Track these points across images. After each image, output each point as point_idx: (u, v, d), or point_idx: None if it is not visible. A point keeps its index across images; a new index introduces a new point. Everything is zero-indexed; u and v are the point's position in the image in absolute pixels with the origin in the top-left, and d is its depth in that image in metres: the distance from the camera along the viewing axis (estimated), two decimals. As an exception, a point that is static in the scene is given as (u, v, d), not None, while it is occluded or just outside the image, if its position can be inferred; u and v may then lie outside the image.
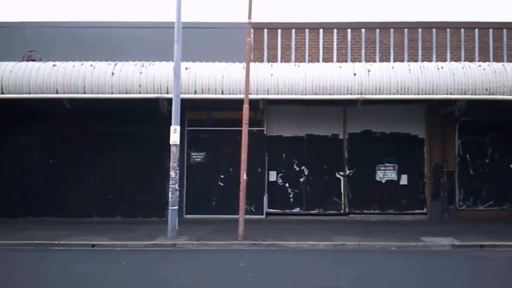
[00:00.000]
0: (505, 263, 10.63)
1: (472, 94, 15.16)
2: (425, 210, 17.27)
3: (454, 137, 17.34)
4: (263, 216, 17.09)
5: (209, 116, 17.38)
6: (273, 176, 17.42)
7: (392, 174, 17.33)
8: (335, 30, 17.57)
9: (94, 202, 17.13)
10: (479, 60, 16.84)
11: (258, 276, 9.58)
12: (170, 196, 13.21)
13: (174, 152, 13.38)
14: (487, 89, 15.13)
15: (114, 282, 9.20)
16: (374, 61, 17.02)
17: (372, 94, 15.32)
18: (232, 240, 12.97)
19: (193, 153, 17.39)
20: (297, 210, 17.36)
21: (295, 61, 16.95)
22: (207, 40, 16.99)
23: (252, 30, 14.11)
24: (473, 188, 17.34)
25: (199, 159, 17.37)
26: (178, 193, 13.34)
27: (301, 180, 17.46)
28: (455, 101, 15.56)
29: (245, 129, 13.36)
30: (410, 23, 17.60)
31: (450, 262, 10.91)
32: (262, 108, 16.71)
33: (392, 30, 17.49)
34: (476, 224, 15.76)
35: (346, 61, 17.05)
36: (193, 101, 15.50)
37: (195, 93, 15.16)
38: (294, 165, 17.49)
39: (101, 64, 15.12)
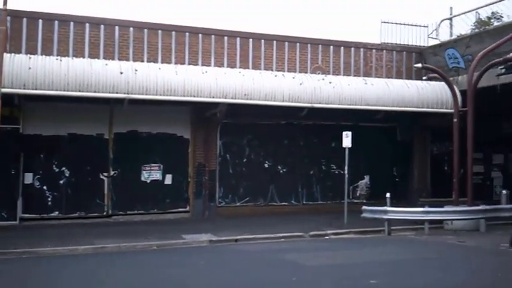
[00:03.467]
0: (254, 253, 11.54)
1: (232, 98, 16.20)
2: (188, 209, 17.85)
3: (215, 138, 18.28)
4: (16, 222, 15.64)
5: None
6: (29, 178, 16.02)
7: (157, 174, 17.48)
8: (102, 26, 17.03)
9: None
10: (240, 67, 18.02)
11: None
12: None
13: None
14: (245, 94, 16.32)
15: None
16: (142, 61, 16.94)
17: (139, 94, 15.27)
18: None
19: None
20: (56, 214, 16.28)
21: (58, 55, 15.91)
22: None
23: (8, 18, 12.79)
24: (232, 186, 18.52)
25: None
26: None
27: (62, 182, 16.45)
28: (217, 104, 16.43)
29: (-5, 126, 12.05)
30: (178, 26, 17.99)
31: (205, 256, 11.39)
32: (18, 104, 15.30)
33: (160, 31, 17.65)
34: (234, 219, 16.86)
35: (113, 59, 16.64)
36: None
37: None
38: (54, 166, 16.38)
39: None
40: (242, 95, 16.28)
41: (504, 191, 17.10)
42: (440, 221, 15.13)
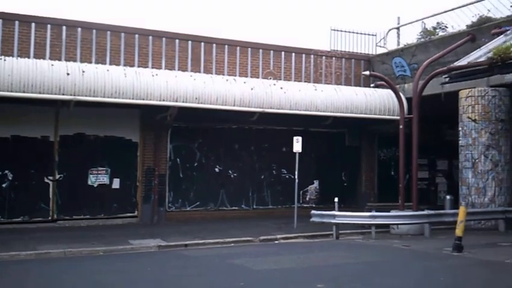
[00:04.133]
0: (203, 259, 11.45)
1: (183, 102, 16.08)
2: (136, 214, 17.56)
3: (166, 142, 18.08)
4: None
5: None
6: (-34, 182, 15.41)
7: (104, 178, 17.11)
8: (49, 26, 16.55)
9: None
10: (191, 71, 17.91)
11: None
12: None
13: None
14: (196, 98, 16.23)
15: None
16: (90, 62, 16.58)
17: (86, 96, 14.94)
18: None
19: None
20: (-3, 218, 15.70)
21: (2, 54, 15.33)
22: None
23: None
24: (182, 191, 18.34)
25: None
26: None
27: (4, 185, 15.86)
28: (168, 107, 16.26)
29: None
30: (128, 28, 17.71)
31: (152, 262, 11.20)
32: (-42, 105, 14.69)
33: (109, 32, 17.32)
34: (184, 224, 16.71)
35: (60, 59, 16.19)
36: None
37: None
38: (-3, 169, 15.81)
39: None
40: (193, 98, 16.19)
41: (448, 197, 17.73)
42: (387, 226, 15.49)
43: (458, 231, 11.94)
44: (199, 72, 17.98)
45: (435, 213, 15.22)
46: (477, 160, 16.34)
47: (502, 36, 15.49)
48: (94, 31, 17.11)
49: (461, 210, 12.24)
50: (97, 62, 16.66)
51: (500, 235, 14.70)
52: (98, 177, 17.01)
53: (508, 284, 9.10)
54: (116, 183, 17.23)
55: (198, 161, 18.70)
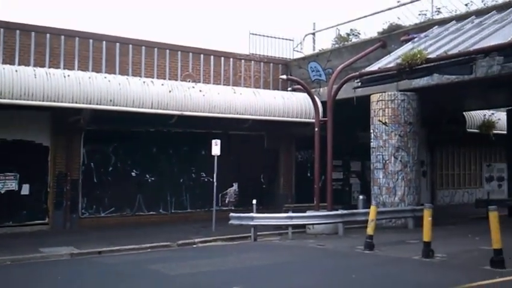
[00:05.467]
0: (117, 265, 11.12)
1: (97, 104, 15.57)
2: (47, 221, 16.76)
3: (79, 146, 17.43)
4: None
5: None
6: None
7: (12, 184, 16.20)
8: (-51, 23, 15.49)
9: None
10: (105, 72, 17.39)
11: None
12: None
13: None
14: (111, 100, 15.78)
15: None
16: (-3, 62, 15.67)
17: (-9, 98, 14.08)
18: None
19: None
20: None
21: None
22: None
23: None
24: (96, 196, 17.73)
25: None
26: None
27: None
28: (80, 109, 15.69)
29: None
30: (38, 26, 16.92)
31: (63, 270, 10.75)
32: None
33: (18, 32, 16.46)
34: (99, 231, 16.15)
35: (-37, 59, 15.19)
36: None
37: None
38: None
39: None
40: (107, 100, 15.73)
41: (361, 196, 18.38)
42: (303, 226, 15.81)
43: (370, 230, 12.40)
44: (115, 73, 17.48)
45: (348, 213, 15.74)
46: (387, 161, 17.08)
47: (410, 43, 16.30)
48: (2, 30, 16.20)
49: (372, 210, 12.73)
50: (4, 63, 15.75)
51: (409, 233, 15.40)
52: (5, 183, 16.07)
53: (414, 279, 9.56)
54: (25, 189, 16.36)
55: (113, 165, 18.17)
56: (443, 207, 23.36)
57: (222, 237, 15.21)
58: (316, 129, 16.99)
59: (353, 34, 20.63)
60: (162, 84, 17.04)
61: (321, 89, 19.45)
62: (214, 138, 16.76)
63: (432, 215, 11.31)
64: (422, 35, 16.35)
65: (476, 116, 24.49)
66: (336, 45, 20.52)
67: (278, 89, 20.68)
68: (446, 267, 10.43)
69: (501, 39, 12.58)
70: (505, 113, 23.16)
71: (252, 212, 15.02)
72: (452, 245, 12.66)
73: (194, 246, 14.43)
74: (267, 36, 21.91)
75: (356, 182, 23.75)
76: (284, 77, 18.40)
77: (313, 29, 23.18)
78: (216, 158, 16.54)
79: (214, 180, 16.59)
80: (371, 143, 17.68)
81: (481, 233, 12.38)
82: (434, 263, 10.71)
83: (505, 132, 23.18)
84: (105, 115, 16.21)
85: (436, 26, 16.58)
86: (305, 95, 18.43)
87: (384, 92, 17.21)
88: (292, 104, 19.17)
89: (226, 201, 20.29)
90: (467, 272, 9.82)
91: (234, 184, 20.55)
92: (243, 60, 20.92)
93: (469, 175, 27.55)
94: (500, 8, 15.16)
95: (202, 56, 19.89)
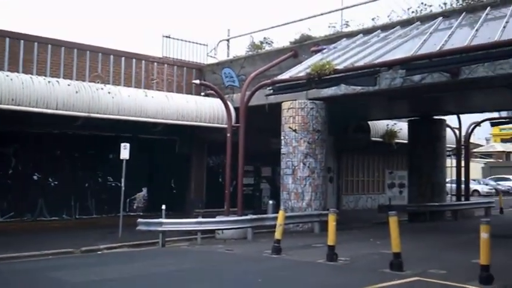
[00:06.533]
0: (14, 273, 10.50)
1: (-3, 104, 14.66)
2: None
3: (-25, 147, 16.33)
4: None
5: None
6: None
7: None
8: None
9: None
10: (8, 70, 16.42)
11: None
12: None
13: None
14: (13, 99, 14.92)
15: None
16: None
17: None
18: None
19: None
20: None
21: None
22: None
23: None
24: (-6, 200, 16.70)
25: None
26: None
27: None
28: (-21, 109, 14.70)
29: None
30: None
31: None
32: None
33: None
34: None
35: None
36: None
37: None
38: None
39: None
40: (9, 100, 14.85)
41: (270, 201, 18.65)
42: (213, 231, 15.78)
43: (277, 234, 12.62)
44: (17, 72, 16.54)
45: (257, 218, 15.91)
46: (296, 167, 17.49)
47: (319, 54, 16.83)
48: None
49: (280, 215, 12.97)
50: None
51: (316, 237, 15.83)
52: None
53: (316, 282, 9.84)
54: None
55: (14, 168, 17.16)
56: (348, 212, 24.26)
57: (128, 243, 14.81)
58: (228, 134, 17.05)
59: (267, 42, 20.96)
60: (68, 85, 16.33)
61: (235, 95, 19.57)
62: (124, 142, 16.32)
63: (337, 220, 11.73)
64: (331, 46, 16.96)
65: (380, 126, 25.67)
66: (250, 53, 20.75)
67: (191, 94, 20.53)
68: (348, 270, 10.83)
69: (404, 54, 13.29)
70: (407, 123, 24.55)
71: (161, 217, 14.77)
72: (355, 249, 13.17)
73: (99, 252, 13.93)
74: (181, 40, 21.76)
75: (267, 187, 24.11)
76: (197, 81, 18.33)
77: (228, 35, 23.32)
78: (124, 162, 16.10)
79: (122, 184, 16.14)
80: (281, 149, 18.05)
81: (382, 238, 12.95)
82: (337, 266, 11.09)
83: (406, 141, 24.55)
84: (6, 115, 15.28)
85: (344, 39, 17.26)
86: (218, 100, 18.45)
87: (295, 100, 17.64)
88: (205, 109, 19.11)
89: (135, 207, 19.81)
90: (368, 274, 10.25)
91: (143, 189, 20.13)
92: (155, 63, 20.59)
93: (373, 181, 28.85)
94: (404, 24, 16.04)
95: (112, 56, 19.33)
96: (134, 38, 42.11)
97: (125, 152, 16.12)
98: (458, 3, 15.06)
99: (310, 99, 17.65)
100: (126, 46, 31.71)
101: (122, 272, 10.56)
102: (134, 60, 19.96)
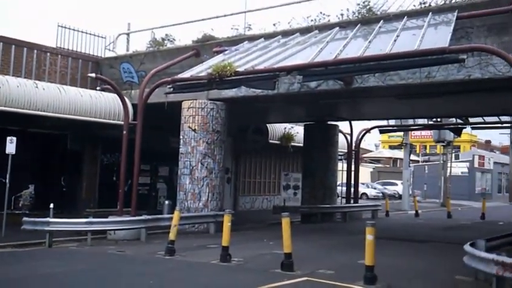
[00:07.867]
0: None
1: None
2: None
3: None
4: None
5: None
6: None
7: None
8: None
9: None
10: None
11: None
12: None
13: None
14: None
15: None
16: None
17: None
18: None
19: None
20: None
21: None
22: None
23: None
24: None
25: None
26: None
27: None
28: None
29: None
30: None
31: None
32: None
33: None
34: None
35: None
36: None
37: None
38: None
39: None
40: None
41: (166, 202, 18.36)
42: (104, 232, 15.23)
43: (171, 235, 12.45)
44: None
45: (152, 218, 15.57)
46: (194, 167, 17.38)
47: (221, 54, 16.84)
48: None
49: (175, 215, 12.82)
50: None
51: (211, 237, 15.81)
52: None
53: (207, 282, 9.82)
54: None
55: None
56: (244, 213, 24.55)
57: (12, 243, 13.85)
58: (124, 132, 16.54)
59: (168, 39, 20.59)
60: (-51, 71, 15.03)
61: (133, 91, 19.05)
62: (10, 135, 15.26)
63: (232, 221, 11.81)
64: (233, 48, 17.05)
65: (278, 128, 26.27)
66: (151, 49, 20.28)
67: (86, 88, 19.63)
68: (241, 270, 10.93)
69: (302, 60, 13.65)
70: (303, 127, 25.33)
71: (49, 216, 13.99)
72: (249, 250, 13.34)
73: (-22, 253, 12.93)
74: (77, 31, 20.79)
75: (163, 187, 23.70)
76: (93, 75, 17.62)
77: (128, 29, 22.67)
78: (10, 156, 15.06)
79: (7, 181, 15.07)
80: (180, 149, 17.85)
81: (276, 238, 13.21)
82: (230, 267, 11.15)
83: (302, 144, 25.33)
84: None
85: (247, 41, 17.43)
86: (115, 95, 17.85)
87: (196, 99, 17.53)
88: (100, 104, 18.36)
89: (20, 205, 18.56)
90: (259, 274, 10.41)
91: (30, 186, 18.93)
92: (48, 53, 19.48)
93: (269, 183, 29.42)
94: (303, 31, 16.47)
95: (1, 44, 18.04)
96: (29, 27, 39.66)
97: (11, 146, 15.09)
98: (354, 15, 15.73)
99: (211, 100, 17.63)
100: (19, 34, 29.72)
101: (3, 273, 9.85)
102: (25, 49, 18.75)
